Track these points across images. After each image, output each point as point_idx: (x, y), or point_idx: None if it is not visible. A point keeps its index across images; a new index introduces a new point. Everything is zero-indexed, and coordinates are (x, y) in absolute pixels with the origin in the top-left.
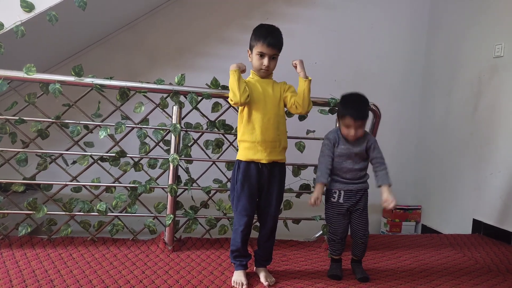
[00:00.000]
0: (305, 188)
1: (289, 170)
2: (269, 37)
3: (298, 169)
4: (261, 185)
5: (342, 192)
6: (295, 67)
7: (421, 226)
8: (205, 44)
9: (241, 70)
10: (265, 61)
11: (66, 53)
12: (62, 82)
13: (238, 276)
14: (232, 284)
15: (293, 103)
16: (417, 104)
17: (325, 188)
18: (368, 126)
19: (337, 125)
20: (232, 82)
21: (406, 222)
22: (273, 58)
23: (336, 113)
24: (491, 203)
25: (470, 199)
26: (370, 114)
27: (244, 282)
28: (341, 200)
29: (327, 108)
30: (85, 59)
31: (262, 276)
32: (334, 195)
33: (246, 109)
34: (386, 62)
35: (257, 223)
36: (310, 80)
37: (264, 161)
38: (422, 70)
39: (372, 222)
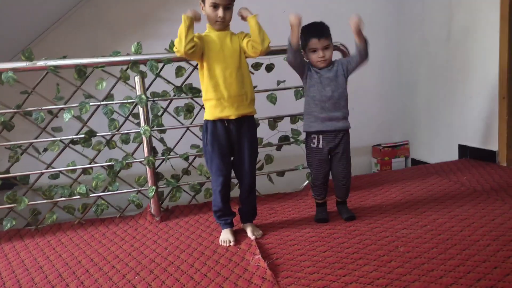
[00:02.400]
0: (284, 140)
1: (265, 124)
2: None
3: (274, 122)
4: (232, 143)
5: (321, 137)
6: (241, 16)
7: (410, 160)
8: (166, 9)
9: (196, 19)
10: (220, 12)
11: (25, 40)
12: (15, 70)
13: (225, 235)
14: (220, 243)
15: (250, 45)
16: (393, 38)
17: (304, 132)
18: None
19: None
20: (181, 29)
21: (395, 158)
22: (228, 8)
23: None
24: (474, 126)
25: (454, 125)
26: (339, 55)
27: (231, 239)
28: (320, 145)
29: None
30: (46, 43)
31: (248, 231)
32: (313, 140)
33: (205, 64)
34: None
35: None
36: (256, 15)
37: (233, 117)
38: (394, 1)
39: (362, 164)
